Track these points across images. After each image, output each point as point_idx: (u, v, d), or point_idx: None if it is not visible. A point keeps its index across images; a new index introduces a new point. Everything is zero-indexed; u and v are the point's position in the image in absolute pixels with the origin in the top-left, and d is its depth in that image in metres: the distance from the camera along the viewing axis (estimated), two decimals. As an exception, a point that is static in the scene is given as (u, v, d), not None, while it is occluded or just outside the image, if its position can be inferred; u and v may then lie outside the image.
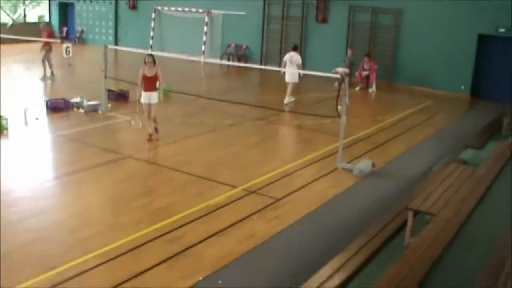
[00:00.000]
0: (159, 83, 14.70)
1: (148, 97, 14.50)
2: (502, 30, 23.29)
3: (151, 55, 14.83)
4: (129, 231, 9.22)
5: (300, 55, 21.83)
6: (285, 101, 19.96)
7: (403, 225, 8.30)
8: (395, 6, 25.65)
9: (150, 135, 14.67)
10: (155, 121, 14.71)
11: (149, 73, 14.38)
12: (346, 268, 7.00)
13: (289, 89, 20.20)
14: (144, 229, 9.31)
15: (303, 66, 20.78)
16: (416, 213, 7.86)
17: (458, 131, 17.75)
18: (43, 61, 22.82)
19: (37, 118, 16.28)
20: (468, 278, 6.25)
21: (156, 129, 14.80)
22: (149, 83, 14.45)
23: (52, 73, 22.96)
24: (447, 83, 24.61)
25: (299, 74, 20.09)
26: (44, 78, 22.88)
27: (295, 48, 20.78)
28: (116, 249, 8.54)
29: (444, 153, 14.12)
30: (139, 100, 14.75)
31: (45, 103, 17.54)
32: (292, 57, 20.35)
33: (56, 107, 17.42)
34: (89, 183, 11.60)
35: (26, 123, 15.70)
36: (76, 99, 17.94)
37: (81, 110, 17.53)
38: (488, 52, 24.05)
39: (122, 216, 9.92)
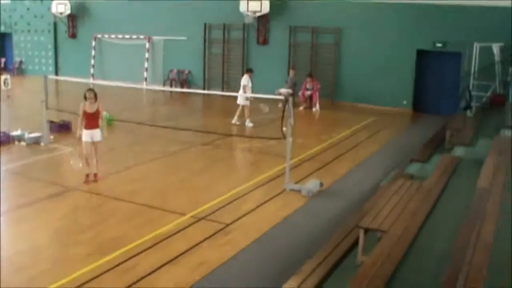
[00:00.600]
0: (101, 120, 13.67)
1: (90, 135, 13.40)
2: (439, 45, 23.82)
3: (92, 90, 13.81)
4: (79, 264, 8.99)
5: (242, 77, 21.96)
6: (233, 121, 20.43)
7: (355, 243, 8.28)
8: (334, 24, 25.98)
9: (88, 176, 13.43)
10: (96, 162, 13.64)
11: (91, 109, 13.39)
12: (300, 290, 6.92)
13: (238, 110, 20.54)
14: (95, 261, 9.09)
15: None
16: (367, 230, 7.85)
17: (402, 145, 17.99)
18: None
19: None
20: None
21: (95, 175, 13.60)
22: (91, 120, 13.42)
23: None
24: (389, 98, 25.00)
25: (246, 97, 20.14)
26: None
27: (247, 71, 21.14)
28: (67, 284, 8.31)
29: (391, 168, 14.25)
30: (79, 139, 13.65)
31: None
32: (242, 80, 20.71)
33: (-4, 141, 16.99)
34: (35, 218, 11.28)
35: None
36: (17, 132, 17.54)
37: (23, 143, 17.15)
38: (427, 67, 24.60)
39: (71, 250, 9.67)
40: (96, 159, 13.58)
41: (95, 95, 13.53)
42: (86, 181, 13.34)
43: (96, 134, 13.47)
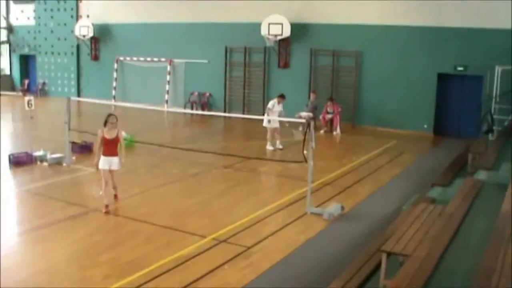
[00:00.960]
0: (120, 147, 13.07)
1: (108, 163, 12.87)
2: (460, 68, 23.75)
3: (114, 116, 13.12)
4: (98, 286, 8.97)
5: (264, 100, 22.02)
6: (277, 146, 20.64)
7: (377, 267, 8.21)
8: (355, 48, 26.03)
9: (107, 206, 12.85)
10: (114, 188, 13.33)
11: (110, 135, 12.84)
12: (322, 314, 6.86)
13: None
14: (113, 283, 9.07)
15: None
16: (389, 254, 7.77)
17: (424, 169, 17.86)
18: None
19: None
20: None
21: (115, 196, 13.46)
22: (110, 147, 12.88)
23: None
24: (410, 122, 24.91)
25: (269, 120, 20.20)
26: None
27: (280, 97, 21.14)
28: (85, 306, 8.30)
29: (412, 192, 14.12)
30: (97, 166, 13.01)
31: (7, 157, 17.21)
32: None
33: (19, 161, 17.13)
34: (54, 238, 11.29)
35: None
36: (40, 152, 17.67)
37: (45, 163, 17.27)
38: (448, 90, 24.52)
39: (90, 271, 9.65)
40: (114, 185, 13.25)
41: (116, 121, 13.00)
42: (107, 211, 12.75)
43: (114, 162, 12.95)
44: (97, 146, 13.18)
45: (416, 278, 6.60)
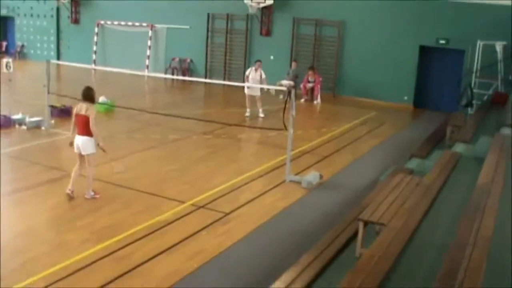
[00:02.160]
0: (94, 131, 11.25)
1: (77, 143, 11.36)
2: (442, 41, 23.80)
3: (87, 88, 11.56)
4: (76, 250, 8.99)
5: (245, 68, 22.00)
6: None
7: (354, 236, 8.28)
8: (338, 17, 25.94)
9: (72, 192, 11.36)
10: (88, 177, 11.51)
11: (80, 110, 11.35)
12: (298, 281, 6.92)
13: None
14: (91, 248, 9.09)
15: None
16: (366, 223, 7.84)
17: (402, 141, 17.98)
18: None
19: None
20: (420, 288, 6.26)
21: (71, 191, 11.39)
22: (80, 124, 11.32)
23: None
24: (390, 94, 24.96)
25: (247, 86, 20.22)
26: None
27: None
28: (63, 270, 8.32)
29: (390, 163, 14.23)
30: (70, 145, 11.63)
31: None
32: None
33: (-4, 124, 16.99)
34: (33, 202, 11.28)
35: (-35, 141, 15.27)
36: (18, 116, 17.53)
37: (24, 127, 17.15)
38: (430, 63, 24.56)
39: (68, 235, 9.67)
40: (88, 176, 11.49)
41: (89, 96, 11.49)
42: (70, 197, 11.34)
43: (85, 144, 11.30)
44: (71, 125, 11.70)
45: (392, 248, 6.68)
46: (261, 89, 20.11)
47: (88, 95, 11.46)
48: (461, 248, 6.15)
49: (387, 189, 9.20)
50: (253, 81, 20.30)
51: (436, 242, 7.47)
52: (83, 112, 11.24)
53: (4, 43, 37.79)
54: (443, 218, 8.30)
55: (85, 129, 11.21)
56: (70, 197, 11.30)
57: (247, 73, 21.00)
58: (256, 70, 20.58)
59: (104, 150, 11.48)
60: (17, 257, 8.79)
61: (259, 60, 21.09)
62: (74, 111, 11.52)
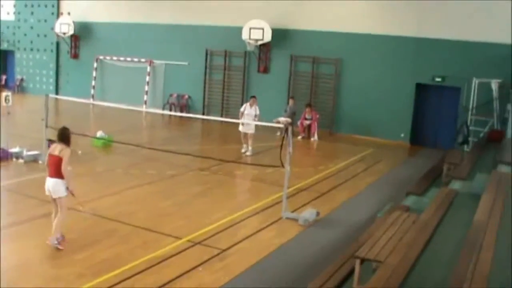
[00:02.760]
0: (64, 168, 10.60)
1: (48, 185, 10.72)
2: (438, 79, 23.98)
3: (63, 129, 11.22)
4: (71, 285, 8.96)
5: (242, 104, 22.10)
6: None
7: (350, 273, 8.28)
8: (335, 55, 26.16)
9: (58, 242, 10.65)
10: (56, 223, 10.70)
11: (54, 150, 10.81)
12: (295, 318, 6.92)
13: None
14: (87, 283, 9.06)
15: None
16: (362, 261, 7.85)
17: (399, 178, 18.01)
18: None
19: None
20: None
21: (62, 237, 10.80)
22: (51, 166, 10.72)
23: None
24: (387, 131, 25.07)
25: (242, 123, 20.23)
26: None
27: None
28: (57, 304, 8.28)
29: (387, 200, 14.25)
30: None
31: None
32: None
33: (-6, 157, 17.01)
34: (28, 236, 11.23)
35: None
36: (16, 149, 17.56)
37: (21, 160, 17.18)
38: (426, 101, 24.76)
39: (63, 270, 9.64)
40: (55, 221, 10.74)
41: (63, 136, 10.98)
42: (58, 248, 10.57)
43: (56, 186, 10.65)
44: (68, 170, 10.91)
45: (389, 285, 6.68)
46: (256, 126, 20.03)
47: (63, 136, 10.95)
48: (459, 285, 6.15)
49: (384, 226, 9.22)
50: (248, 117, 20.35)
51: (434, 279, 7.46)
52: (56, 153, 10.66)
53: (4, 77, 37.90)
54: (440, 255, 8.30)
55: (56, 171, 10.59)
56: (58, 248, 10.51)
57: (241, 109, 21.10)
58: (251, 106, 20.66)
59: (73, 194, 10.88)
60: (11, 289, 8.77)
61: (253, 96, 21.20)
62: (48, 151, 11.03)
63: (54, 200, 10.77)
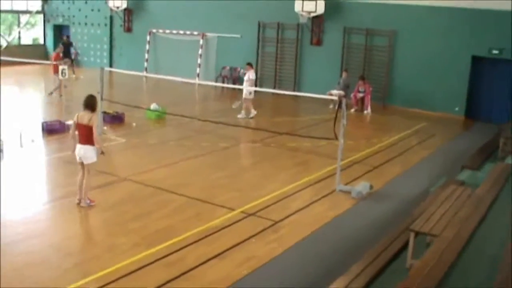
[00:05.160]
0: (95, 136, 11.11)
1: (79, 153, 11.27)
2: (495, 51, 23.43)
3: (90, 97, 11.51)
4: (126, 254, 9.14)
5: (295, 77, 22.05)
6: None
7: (404, 246, 8.24)
8: (389, 27, 25.76)
9: (80, 201, 11.36)
10: (85, 187, 11.28)
11: (82, 119, 11.13)
12: (348, 290, 6.93)
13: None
14: (141, 252, 9.23)
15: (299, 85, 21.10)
16: (417, 234, 7.80)
17: (454, 152, 17.74)
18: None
19: (32, 140, 16.22)
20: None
21: (79, 200, 11.36)
22: (83, 134, 11.19)
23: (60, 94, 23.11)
24: (441, 104, 24.68)
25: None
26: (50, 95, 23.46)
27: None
28: (113, 273, 8.46)
29: (441, 174, 14.09)
30: (73, 152, 11.55)
31: (41, 125, 17.46)
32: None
33: (52, 129, 17.36)
34: (85, 206, 11.46)
35: (21, 145, 15.62)
36: (71, 121, 17.85)
37: (77, 132, 17.46)
38: (482, 74, 24.21)
39: (119, 239, 9.83)
40: (84, 184, 11.31)
41: (91, 104, 11.33)
42: (79, 203, 11.35)
43: (87, 152, 11.19)
44: (71, 132, 11.77)
45: (443, 259, 6.64)
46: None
47: (90, 104, 11.29)
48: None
49: (438, 200, 9.14)
50: (245, 83, 21.71)
51: (489, 254, 7.39)
52: (85, 122, 11.02)
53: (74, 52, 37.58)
54: (496, 230, 8.20)
55: (87, 138, 11.06)
56: (80, 206, 11.25)
57: (245, 77, 22.07)
58: (246, 72, 21.70)
59: (103, 153, 11.39)
60: (69, 258, 9.02)
61: (248, 63, 22.24)
62: (75, 120, 11.26)
63: (82, 165, 11.26)
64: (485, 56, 23.75)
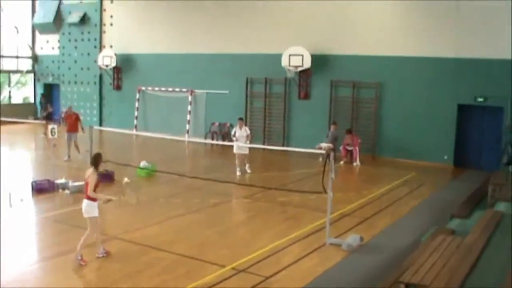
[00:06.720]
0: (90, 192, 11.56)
1: (82, 206, 11.86)
2: (480, 99, 23.70)
3: (96, 154, 12.19)
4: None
5: (284, 131, 22.15)
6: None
7: (395, 299, 8.22)
8: (375, 79, 26.09)
9: (80, 259, 11.45)
10: (83, 241, 11.55)
11: (86, 175, 11.83)
12: None
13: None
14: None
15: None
16: (407, 286, 7.79)
17: (443, 201, 17.80)
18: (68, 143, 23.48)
19: (21, 200, 16.25)
20: None
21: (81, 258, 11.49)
22: (85, 188, 11.86)
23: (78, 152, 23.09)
24: (430, 153, 24.85)
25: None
26: (68, 159, 23.23)
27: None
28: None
29: (431, 224, 14.11)
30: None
31: (30, 184, 17.45)
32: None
33: (41, 188, 17.38)
34: (73, 265, 11.37)
35: (10, 205, 15.61)
36: (61, 180, 17.90)
37: (67, 191, 17.49)
38: (468, 121, 24.47)
39: (110, 299, 9.76)
40: (83, 238, 11.60)
41: (96, 161, 11.85)
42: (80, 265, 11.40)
43: (87, 207, 11.69)
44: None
45: (434, 310, 6.63)
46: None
47: (93, 161, 11.87)
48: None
49: (428, 251, 9.15)
50: (240, 138, 21.34)
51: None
52: (86, 178, 11.74)
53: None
54: (486, 279, 8.19)
55: (87, 193, 11.63)
56: (80, 265, 11.35)
57: (232, 133, 22.02)
58: (240, 127, 21.50)
59: (110, 200, 12.08)
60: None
61: (240, 118, 22.29)
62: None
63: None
64: (471, 104, 24.03)
